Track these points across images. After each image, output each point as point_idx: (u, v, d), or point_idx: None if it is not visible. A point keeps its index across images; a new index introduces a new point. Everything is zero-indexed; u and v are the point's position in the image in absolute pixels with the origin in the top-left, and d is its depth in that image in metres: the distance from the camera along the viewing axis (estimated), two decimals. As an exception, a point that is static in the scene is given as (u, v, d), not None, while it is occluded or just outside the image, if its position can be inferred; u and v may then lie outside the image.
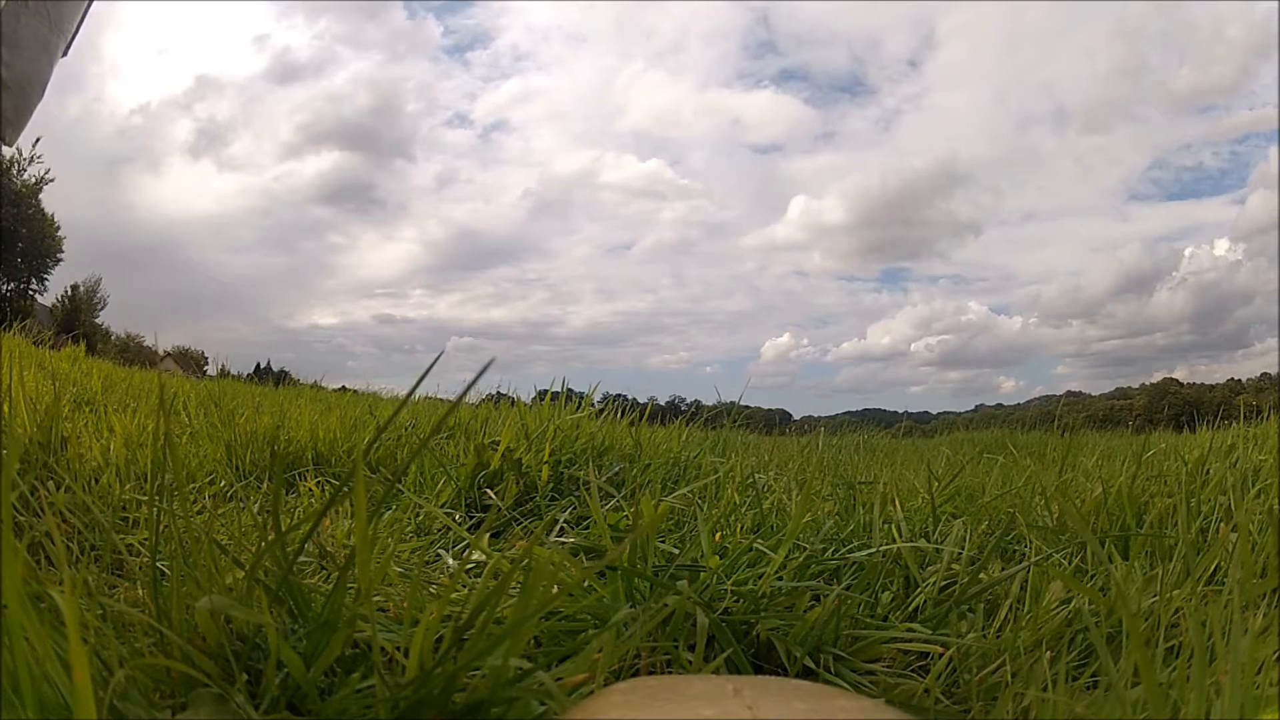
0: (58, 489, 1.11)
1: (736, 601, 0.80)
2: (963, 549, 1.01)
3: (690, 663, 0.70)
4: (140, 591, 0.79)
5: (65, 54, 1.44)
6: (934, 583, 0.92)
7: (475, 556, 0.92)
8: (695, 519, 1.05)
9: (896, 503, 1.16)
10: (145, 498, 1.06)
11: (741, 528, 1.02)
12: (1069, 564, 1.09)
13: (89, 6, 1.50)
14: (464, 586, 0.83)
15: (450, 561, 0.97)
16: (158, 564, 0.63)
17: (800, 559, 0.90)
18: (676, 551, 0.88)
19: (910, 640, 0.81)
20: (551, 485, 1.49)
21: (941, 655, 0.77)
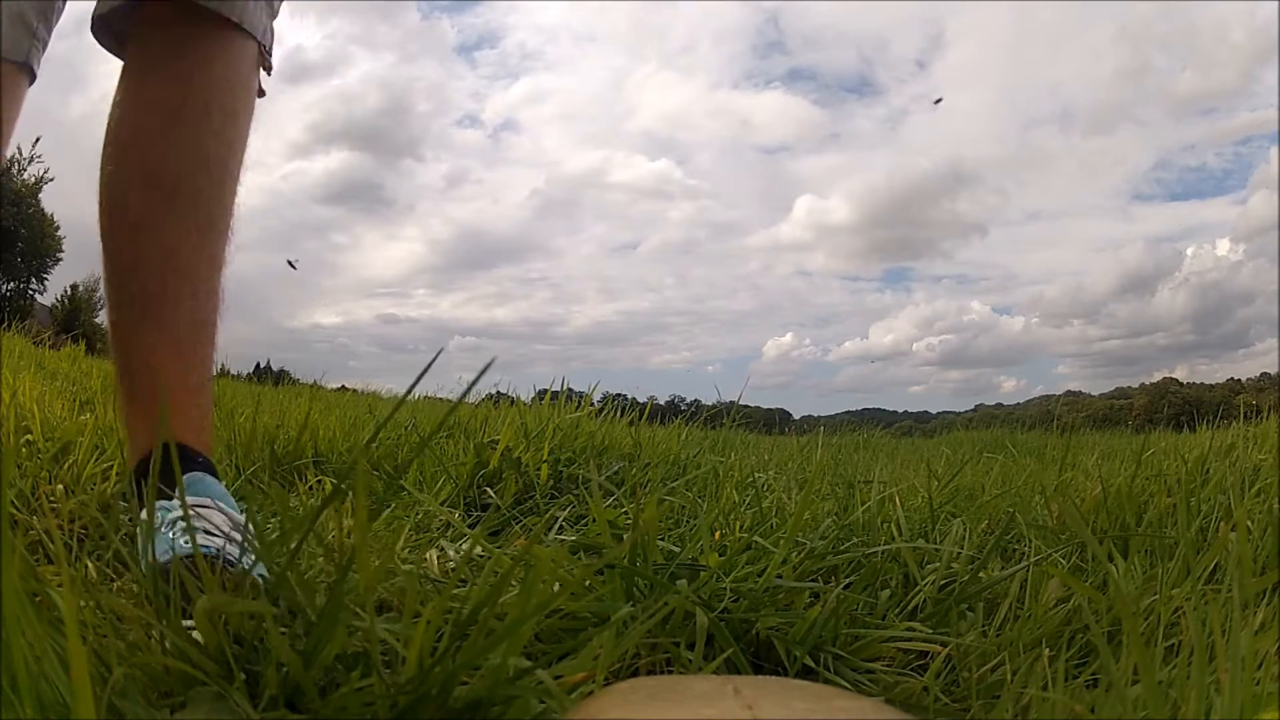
0: (55, 486, 1.11)
1: (735, 600, 0.80)
2: (962, 548, 1.00)
3: (690, 662, 0.70)
4: (139, 589, 0.79)
5: None
6: (933, 581, 0.92)
7: (476, 551, 0.91)
8: (695, 517, 1.05)
9: (896, 501, 1.16)
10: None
11: (741, 526, 1.02)
12: (1068, 563, 1.09)
13: None
14: (464, 582, 0.83)
15: (452, 555, 0.97)
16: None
17: (800, 556, 0.90)
18: (676, 550, 0.88)
19: (910, 639, 0.81)
20: (551, 484, 1.49)
21: (941, 654, 0.77)
